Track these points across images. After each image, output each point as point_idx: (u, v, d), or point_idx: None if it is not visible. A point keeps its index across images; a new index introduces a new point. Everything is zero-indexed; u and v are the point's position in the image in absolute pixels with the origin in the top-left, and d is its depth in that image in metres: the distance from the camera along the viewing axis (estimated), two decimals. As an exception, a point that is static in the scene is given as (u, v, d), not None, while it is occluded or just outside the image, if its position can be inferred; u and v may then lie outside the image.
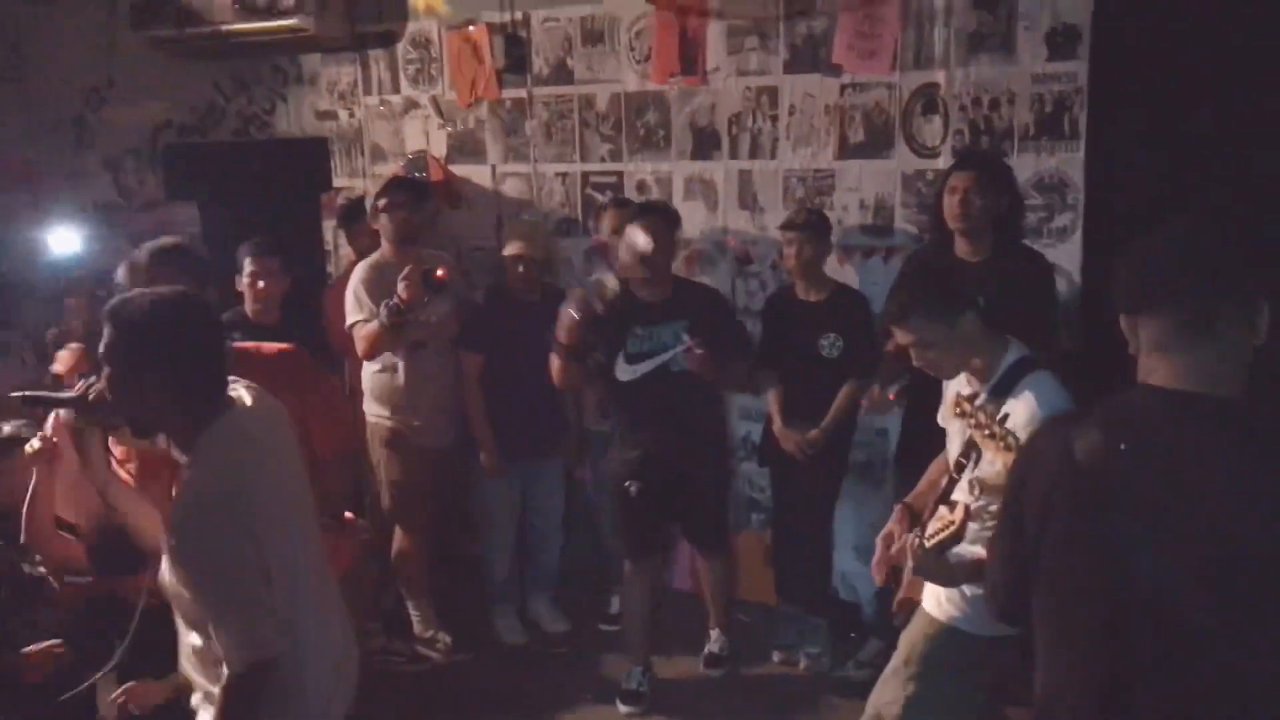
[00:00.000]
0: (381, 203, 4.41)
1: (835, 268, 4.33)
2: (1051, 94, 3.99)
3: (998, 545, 1.99)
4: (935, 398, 3.88)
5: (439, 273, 4.18)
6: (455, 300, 4.47)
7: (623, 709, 4.19)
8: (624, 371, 3.94)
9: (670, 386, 3.91)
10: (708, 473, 4.16)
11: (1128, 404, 1.74)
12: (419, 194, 4.56)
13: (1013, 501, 1.90)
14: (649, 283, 3.91)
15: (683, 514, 4.22)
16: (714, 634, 4.45)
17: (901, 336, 2.80)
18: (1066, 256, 4.00)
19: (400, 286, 4.07)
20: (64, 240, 5.31)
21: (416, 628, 4.70)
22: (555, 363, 3.97)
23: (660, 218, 3.96)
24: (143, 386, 2.10)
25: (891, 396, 4.09)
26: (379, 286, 4.23)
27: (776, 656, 4.45)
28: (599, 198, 4.92)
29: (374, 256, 4.45)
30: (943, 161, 4.14)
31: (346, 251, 5.21)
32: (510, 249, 4.44)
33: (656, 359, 3.89)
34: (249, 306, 4.27)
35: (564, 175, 5.00)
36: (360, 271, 4.39)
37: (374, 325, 4.17)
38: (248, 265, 4.24)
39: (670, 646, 4.48)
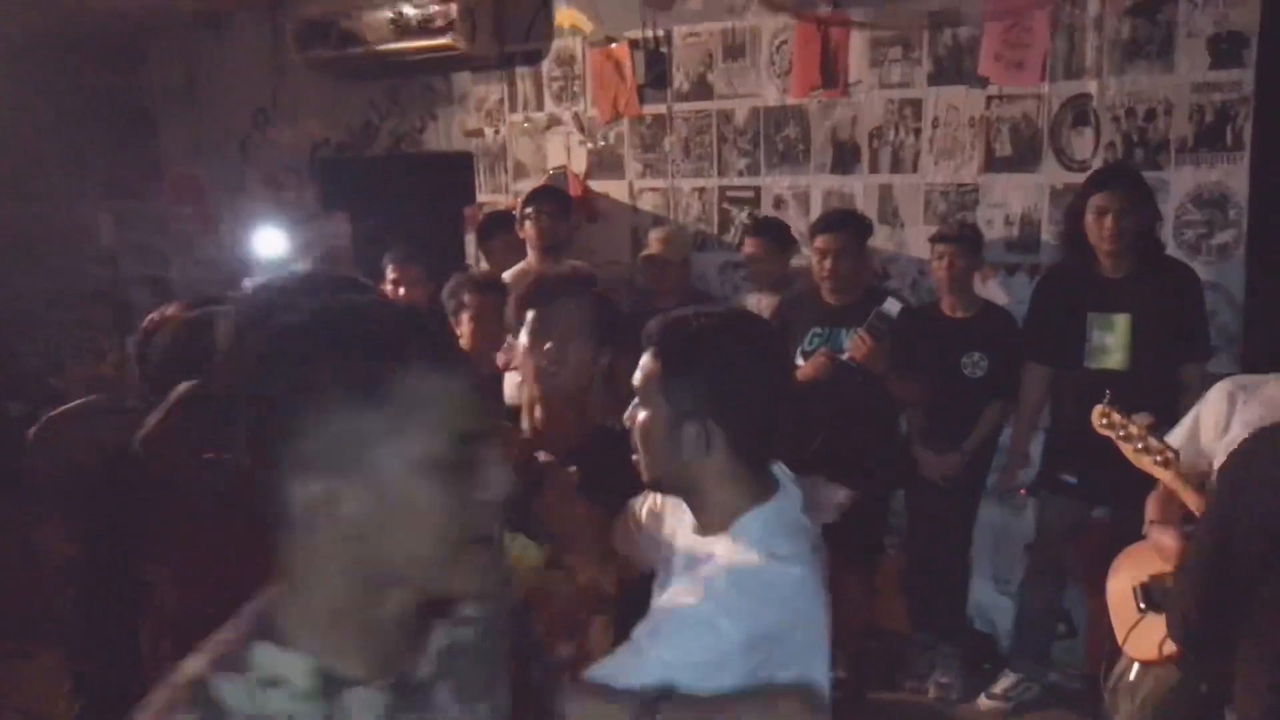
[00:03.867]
0: (528, 209, 4.49)
1: (977, 285, 4.20)
2: (1213, 104, 3.79)
3: (1197, 571, 1.83)
4: (1084, 424, 3.75)
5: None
6: None
7: None
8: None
9: (843, 391, 3.86)
10: (872, 484, 4.09)
11: None
12: (564, 202, 4.62)
13: (1221, 522, 1.74)
14: (836, 287, 3.98)
15: (839, 523, 4.13)
16: (841, 658, 4.33)
17: None
18: (1228, 275, 3.78)
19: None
20: (271, 242, 5.47)
21: None
22: None
23: (853, 227, 4.03)
24: None
25: (1023, 492, 4.12)
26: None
27: (906, 684, 4.30)
28: (735, 212, 4.90)
29: (519, 265, 4.51)
30: (1095, 175, 3.98)
31: (485, 265, 5.32)
32: (647, 250, 4.50)
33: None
34: None
35: (701, 190, 5.00)
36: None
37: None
38: (390, 271, 4.39)
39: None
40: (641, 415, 1.63)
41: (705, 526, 1.63)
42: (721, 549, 1.56)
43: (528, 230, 4.47)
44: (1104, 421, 2.52)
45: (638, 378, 1.65)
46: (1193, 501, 2.61)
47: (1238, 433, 2.72)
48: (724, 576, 1.51)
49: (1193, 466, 2.86)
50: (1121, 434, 2.45)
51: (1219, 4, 3.73)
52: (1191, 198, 3.87)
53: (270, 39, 6.21)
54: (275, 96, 6.33)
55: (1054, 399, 3.94)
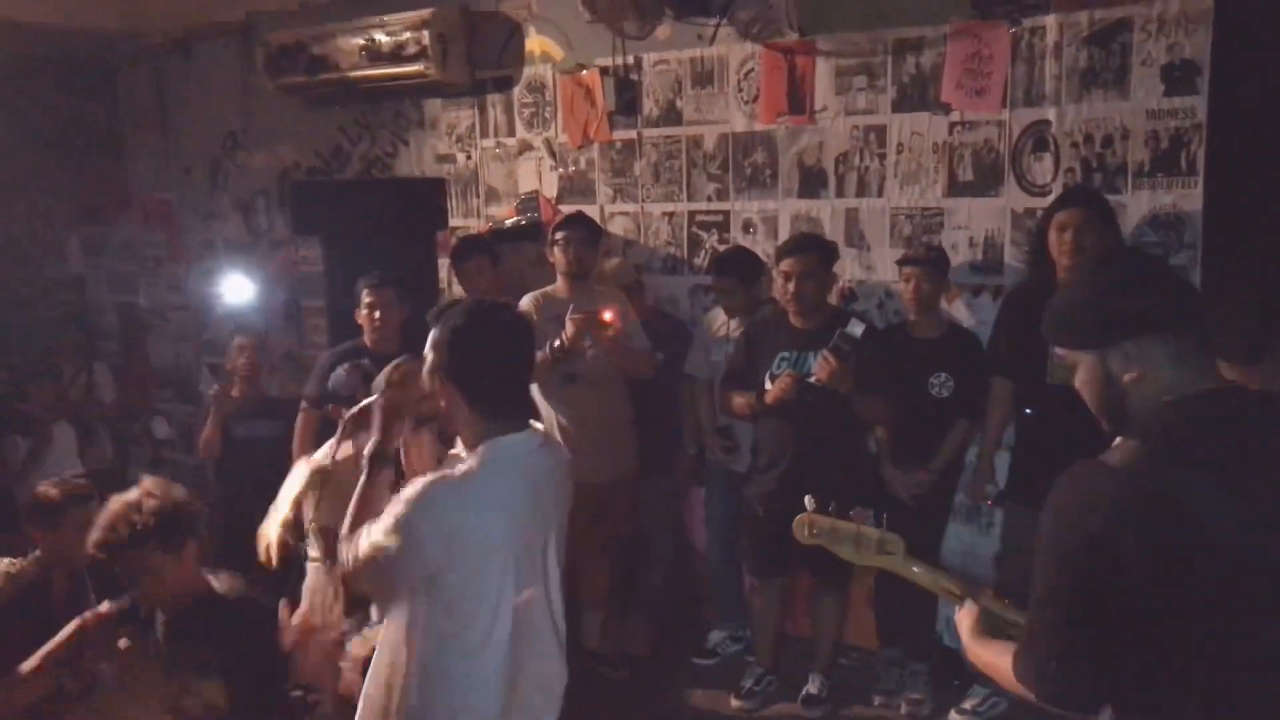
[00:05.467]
0: (559, 235, 4.52)
1: (944, 306, 4.29)
2: (1168, 130, 3.91)
3: (1063, 619, 1.65)
4: (1046, 438, 3.84)
5: (607, 316, 4.15)
6: (625, 339, 4.41)
7: (734, 703, 4.34)
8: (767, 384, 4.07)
9: (810, 412, 3.95)
10: (841, 502, 4.13)
11: (1191, 419, 1.65)
12: (594, 230, 4.64)
13: (1086, 564, 1.59)
14: (800, 310, 4.06)
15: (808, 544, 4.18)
16: (814, 676, 4.38)
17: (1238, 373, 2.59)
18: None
19: (567, 326, 4.10)
20: (238, 288, 5.52)
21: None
22: (740, 400, 4.17)
23: (817, 250, 4.11)
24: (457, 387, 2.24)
25: (989, 504, 4.22)
26: (546, 317, 4.29)
27: (877, 701, 4.35)
28: (704, 236, 4.98)
29: (546, 288, 4.56)
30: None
31: (459, 289, 5.35)
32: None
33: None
34: (367, 336, 4.45)
35: (670, 214, 5.07)
36: (528, 301, 4.44)
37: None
38: (365, 296, 4.42)
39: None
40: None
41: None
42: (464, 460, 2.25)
43: (557, 256, 4.51)
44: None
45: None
46: None
47: None
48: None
49: None
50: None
51: (1172, 33, 3.85)
52: (1148, 221, 3.97)
53: (241, 64, 6.25)
54: (246, 121, 6.35)
55: (1018, 416, 4.03)
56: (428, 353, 2.26)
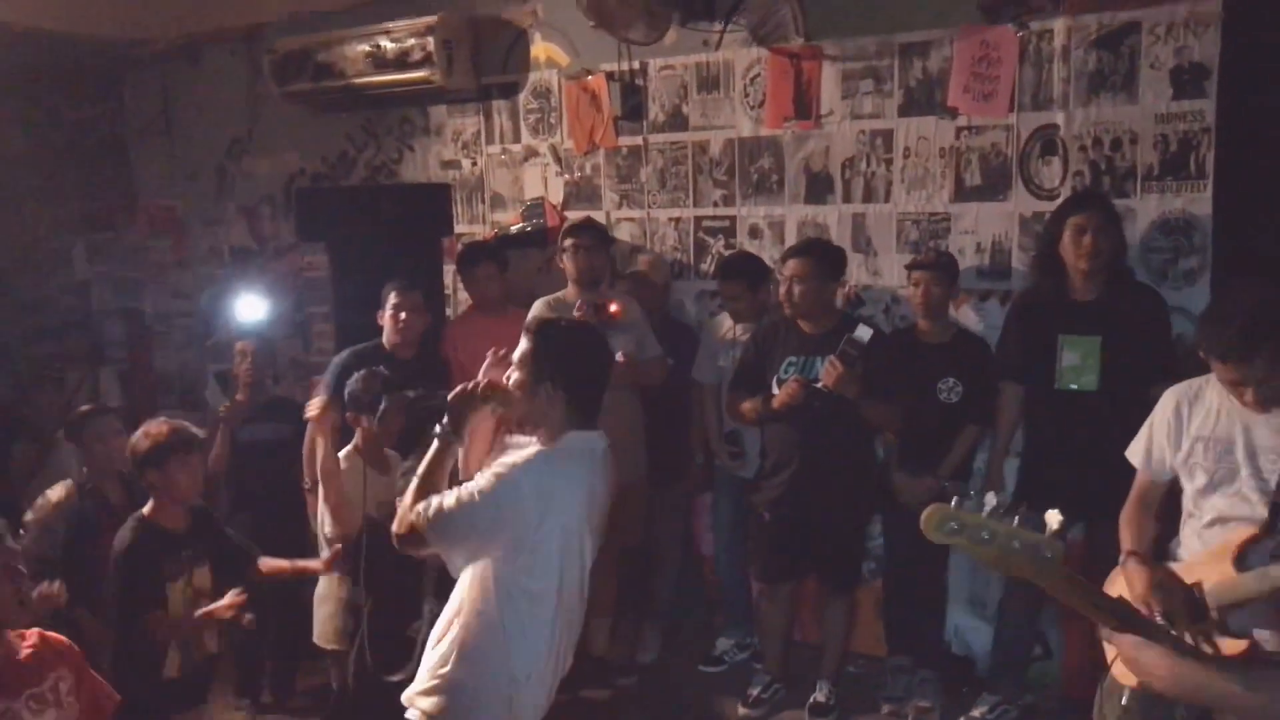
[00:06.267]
0: (568, 242, 4.53)
1: (952, 311, 4.27)
2: (1177, 133, 3.89)
3: None
4: (1056, 443, 3.82)
5: (612, 308, 4.23)
6: (638, 343, 4.45)
7: (741, 711, 4.33)
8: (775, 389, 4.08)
9: (817, 418, 3.94)
10: (848, 509, 4.15)
11: None
12: (603, 236, 4.68)
13: None
14: (801, 313, 4.07)
15: (817, 547, 4.18)
16: (821, 683, 4.35)
17: (1232, 372, 2.66)
18: (1194, 299, 3.86)
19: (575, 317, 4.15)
20: (252, 307, 5.53)
21: None
22: (747, 405, 4.18)
23: (819, 253, 4.13)
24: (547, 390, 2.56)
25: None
26: None
27: (885, 708, 4.32)
28: (711, 241, 4.96)
29: (557, 294, 4.57)
30: (1063, 203, 4.07)
31: (464, 295, 5.34)
32: (634, 268, 4.77)
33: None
34: (388, 339, 4.44)
35: (677, 220, 5.06)
36: (538, 307, 4.45)
37: None
38: (392, 298, 4.42)
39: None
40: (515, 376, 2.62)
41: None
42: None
43: (567, 263, 4.52)
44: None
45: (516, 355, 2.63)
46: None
47: (1188, 446, 2.82)
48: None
49: (1154, 480, 2.96)
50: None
51: (1180, 36, 3.84)
52: (1158, 225, 3.96)
53: (246, 70, 6.25)
54: (251, 128, 6.35)
55: (1027, 421, 4.00)
56: (528, 360, 2.58)
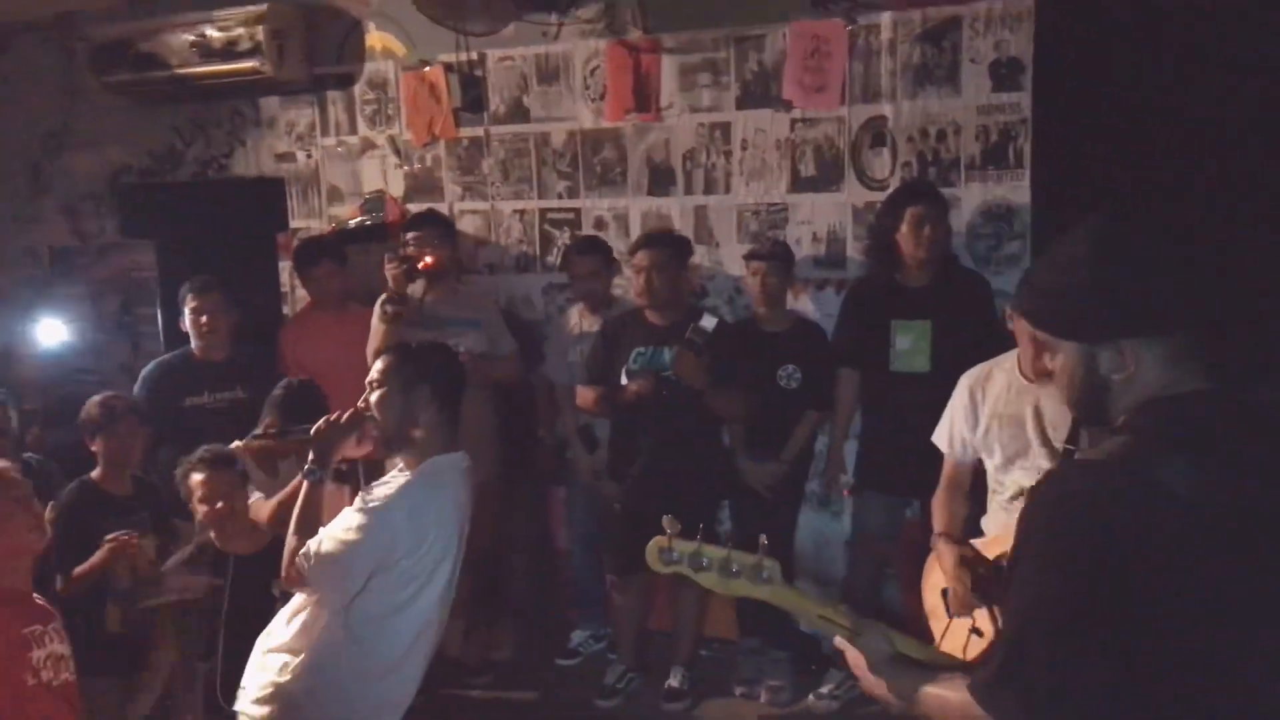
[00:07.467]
0: (410, 236, 4.43)
1: (790, 299, 4.37)
2: (997, 125, 4.07)
3: (1062, 626, 1.42)
4: (891, 425, 3.96)
5: (426, 260, 4.17)
6: (490, 340, 4.42)
7: (598, 702, 4.32)
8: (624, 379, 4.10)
9: (668, 407, 3.98)
10: (697, 497, 4.17)
11: (1186, 416, 1.46)
12: (449, 230, 4.61)
13: (1091, 560, 1.40)
14: (654, 303, 4.08)
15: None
16: (675, 669, 4.40)
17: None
18: (1015, 283, 4.04)
19: (389, 278, 4.10)
20: (51, 331, 5.23)
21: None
22: (590, 394, 4.22)
23: (670, 244, 4.16)
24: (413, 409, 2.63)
25: (846, 493, 4.32)
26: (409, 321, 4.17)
27: (738, 690, 4.40)
28: (556, 234, 4.95)
29: (411, 288, 4.41)
30: (893, 193, 4.20)
31: (302, 292, 5.18)
32: None
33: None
34: (194, 344, 4.27)
35: (521, 212, 5.02)
36: (379, 308, 4.25)
37: (375, 323, 4.09)
38: (189, 301, 4.25)
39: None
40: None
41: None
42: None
43: (411, 254, 4.32)
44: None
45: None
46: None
47: (984, 425, 2.97)
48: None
49: (959, 461, 3.11)
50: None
51: (998, 31, 4.02)
52: (981, 212, 4.13)
53: (60, 60, 5.90)
54: (68, 121, 6.01)
55: (864, 404, 4.13)
56: (392, 371, 2.67)
